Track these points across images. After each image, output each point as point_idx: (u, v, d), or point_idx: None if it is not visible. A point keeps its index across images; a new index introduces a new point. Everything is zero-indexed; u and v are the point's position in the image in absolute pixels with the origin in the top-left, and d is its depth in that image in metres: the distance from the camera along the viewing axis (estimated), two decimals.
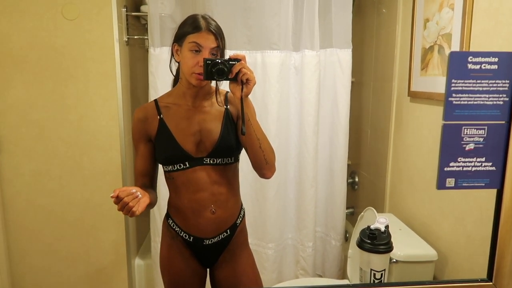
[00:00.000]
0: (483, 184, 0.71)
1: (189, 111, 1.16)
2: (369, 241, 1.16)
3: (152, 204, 1.10)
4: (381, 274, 1.17)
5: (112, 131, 1.65)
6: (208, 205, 1.16)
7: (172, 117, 1.16)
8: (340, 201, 1.94)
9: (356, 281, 1.52)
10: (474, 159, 0.69)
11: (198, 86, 1.11)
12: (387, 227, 1.20)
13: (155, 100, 1.19)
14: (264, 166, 1.14)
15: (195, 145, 1.14)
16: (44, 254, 1.71)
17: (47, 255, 1.71)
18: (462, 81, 0.67)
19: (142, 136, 1.18)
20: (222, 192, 1.17)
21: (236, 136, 1.16)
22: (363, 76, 2.14)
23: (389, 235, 1.18)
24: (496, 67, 0.67)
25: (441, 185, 0.70)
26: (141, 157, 1.20)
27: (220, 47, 1.09)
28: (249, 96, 1.07)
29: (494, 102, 0.68)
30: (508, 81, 0.67)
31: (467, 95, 0.67)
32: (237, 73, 1.02)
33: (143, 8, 1.84)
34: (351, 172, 2.26)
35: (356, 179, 2.26)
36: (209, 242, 1.20)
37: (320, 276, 1.99)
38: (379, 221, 1.21)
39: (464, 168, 0.69)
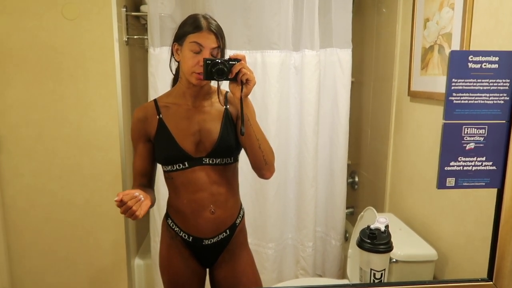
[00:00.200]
0: (484, 184, 0.71)
1: (189, 111, 1.16)
2: (369, 241, 1.16)
3: (152, 204, 1.10)
4: (381, 274, 1.16)
5: (112, 131, 1.65)
6: (208, 205, 1.15)
7: (172, 117, 1.15)
8: (340, 201, 1.94)
9: (356, 281, 1.52)
10: (475, 159, 0.69)
11: (198, 85, 1.11)
12: (387, 226, 1.20)
13: (155, 100, 1.19)
14: (263, 167, 1.14)
15: (194, 145, 1.14)
16: (44, 254, 1.71)
17: (46, 255, 1.71)
18: (463, 80, 0.67)
19: (142, 136, 1.18)
20: (222, 192, 1.17)
21: (235, 136, 1.16)
22: (363, 75, 2.13)
23: (389, 235, 1.18)
24: (497, 66, 0.67)
25: (441, 184, 0.69)
26: (140, 157, 1.19)
27: (221, 47, 1.08)
28: (249, 96, 1.07)
29: (495, 102, 0.68)
30: (508, 80, 0.67)
31: (467, 94, 0.67)
32: (237, 73, 1.02)
33: (143, 8, 1.84)
34: (351, 172, 2.26)
35: (356, 179, 2.26)
36: (209, 242, 1.19)
37: (320, 276, 1.99)
38: (379, 221, 1.21)
39: (465, 168, 0.69)
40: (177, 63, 1.16)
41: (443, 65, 1.38)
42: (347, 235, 2.08)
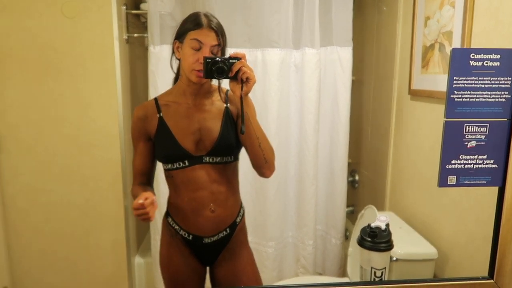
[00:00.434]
0: (485, 182, 0.71)
1: (189, 110, 1.15)
2: (369, 239, 1.16)
3: None
4: (382, 272, 1.16)
5: (111, 130, 1.65)
6: (208, 203, 1.15)
7: (172, 115, 1.15)
8: (340, 200, 1.94)
9: (357, 279, 1.52)
10: (476, 157, 0.69)
11: (198, 83, 1.11)
12: (387, 225, 1.20)
13: (155, 98, 1.19)
14: (263, 165, 1.14)
15: (194, 143, 1.14)
16: (44, 253, 1.71)
17: (47, 254, 1.71)
18: (464, 78, 0.66)
19: (142, 134, 1.18)
20: (222, 191, 1.17)
21: (236, 135, 1.15)
22: (364, 74, 2.13)
23: (389, 233, 1.18)
24: (498, 64, 0.66)
25: (442, 182, 0.69)
26: (140, 156, 1.19)
27: (221, 45, 1.08)
28: (249, 94, 1.07)
29: (496, 99, 0.68)
30: (510, 78, 0.67)
31: (469, 92, 0.67)
32: (237, 72, 1.02)
33: (143, 6, 1.83)
34: (352, 170, 2.26)
35: (357, 178, 2.26)
36: (209, 241, 1.19)
37: (320, 274, 1.99)
38: (380, 219, 1.21)
39: (466, 166, 0.69)
40: (178, 62, 1.16)
41: (444, 63, 1.38)
42: (348, 233, 2.08)
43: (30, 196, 1.66)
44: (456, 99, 0.67)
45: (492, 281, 0.76)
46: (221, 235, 1.20)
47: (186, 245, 1.22)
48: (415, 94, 1.58)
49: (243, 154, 1.18)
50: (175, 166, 1.14)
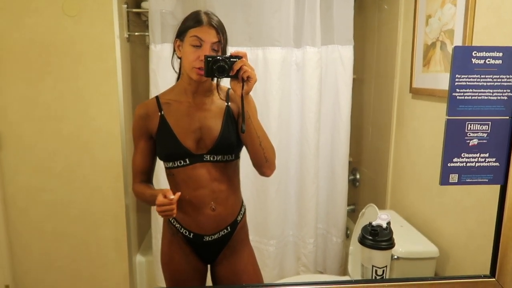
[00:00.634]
0: (487, 180, 0.71)
1: (190, 108, 1.15)
2: (370, 238, 1.16)
3: None
4: (383, 270, 1.16)
5: (112, 128, 1.65)
6: (208, 202, 1.16)
7: (173, 113, 1.15)
8: (341, 198, 1.94)
9: (358, 278, 1.52)
10: (478, 155, 0.69)
11: (198, 81, 1.11)
12: (389, 223, 1.19)
13: (157, 97, 1.19)
14: (264, 164, 1.14)
15: (195, 142, 1.14)
16: (46, 251, 1.71)
17: (48, 252, 1.71)
18: (466, 76, 0.66)
19: (143, 133, 1.18)
20: (222, 189, 1.17)
21: (236, 133, 1.15)
22: (365, 72, 2.13)
23: (391, 232, 1.18)
24: (500, 62, 0.66)
25: (444, 180, 0.69)
26: (141, 154, 1.19)
27: (222, 42, 1.08)
28: (250, 93, 1.07)
29: (498, 97, 0.67)
30: None
31: (471, 90, 0.67)
32: (238, 71, 1.02)
33: (144, 4, 1.83)
34: (353, 169, 2.26)
35: (358, 176, 2.26)
36: (209, 239, 1.20)
37: (321, 272, 1.99)
38: (381, 218, 1.21)
39: (468, 164, 0.69)
40: (179, 61, 1.16)
41: (445, 62, 1.37)
42: (348, 232, 2.08)
43: (31, 194, 1.66)
44: (458, 97, 0.67)
45: (493, 279, 0.76)
46: (221, 233, 1.20)
47: (187, 243, 1.22)
48: (416, 93, 1.57)
49: (244, 153, 1.18)
50: (176, 165, 1.14)
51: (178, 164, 1.14)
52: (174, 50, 1.14)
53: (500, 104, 0.67)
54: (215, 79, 1.16)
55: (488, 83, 0.67)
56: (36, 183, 1.66)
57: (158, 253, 1.53)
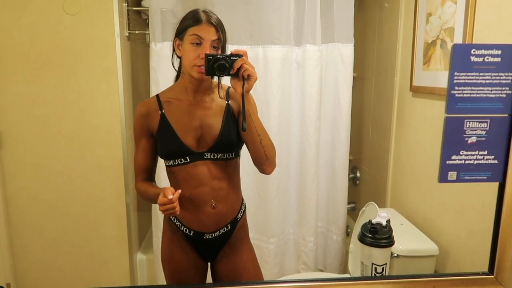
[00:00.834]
0: (485, 178, 0.71)
1: (191, 106, 1.16)
2: (370, 235, 1.16)
3: None
4: (382, 268, 1.17)
5: (113, 126, 1.65)
6: (209, 200, 1.16)
7: (174, 112, 1.16)
8: (341, 196, 1.94)
9: (358, 276, 1.53)
10: (477, 152, 0.69)
11: (199, 79, 1.11)
12: (388, 221, 1.20)
13: (157, 95, 1.19)
14: (264, 162, 1.14)
15: (196, 140, 1.14)
16: (47, 249, 1.72)
17: (49, 250, 1.72)
18: (465, 73, 0.66)
19: (144, 131, 1.18)
20: (223, 187, 1.17)
21: (237, 131, 1.16)
22: (365, 71, 2.13)
23: (390, 229, 1.18)
24: (499, 60, 0.66)
25: (443, 178, 0.69)
26: (142, 153, 1.20)
27: (221, 40, 1.08)
28: (251, 91, 1.07)
29: (497, 95, 0.67)
30: (511, 74, 0.67)
31: (469, 88, 0.67)
32: (239, 69, 1.02)
33: (144, 3, 1.83)
34: (353, 167, 2.26)
35: (358, 174, 2.26)
36: (210, 237, 1.20)
37: (322, 270, 2.00)
38: (381, 216, 1.21)
39: (466, 161, 0.69)
40: (179, 60, 1.16)
41: (446, 60, 1.37)
42: (349, 230, 2.09)
43: (33, 191, 1.67)
44: (456, 95, 0.67)
45: (492, 276, 0.77)
46: (222, 231, 1.21)
47: (188, 241, 1.22)
48: (417, 91, 1.57)
49: (245, 151, 1.18)
50: (176, 163, 1.15)
51: (179, 162, 1.14)
52: (174, 50, 1.14)
53: (499, 102, 0.67)
54: (216, 77, 1.16)
55: (487, 81, 0.67)
56: (36, 182, 1.66)
57: (158, 251, 1.53)
